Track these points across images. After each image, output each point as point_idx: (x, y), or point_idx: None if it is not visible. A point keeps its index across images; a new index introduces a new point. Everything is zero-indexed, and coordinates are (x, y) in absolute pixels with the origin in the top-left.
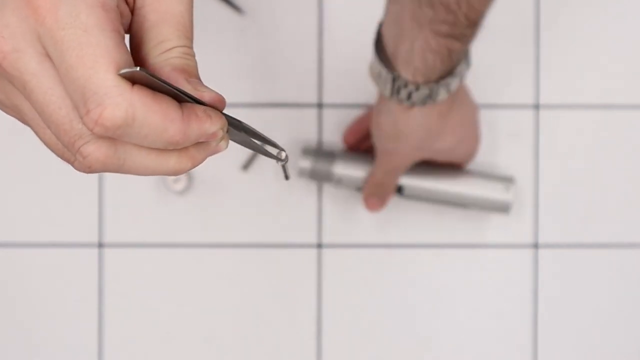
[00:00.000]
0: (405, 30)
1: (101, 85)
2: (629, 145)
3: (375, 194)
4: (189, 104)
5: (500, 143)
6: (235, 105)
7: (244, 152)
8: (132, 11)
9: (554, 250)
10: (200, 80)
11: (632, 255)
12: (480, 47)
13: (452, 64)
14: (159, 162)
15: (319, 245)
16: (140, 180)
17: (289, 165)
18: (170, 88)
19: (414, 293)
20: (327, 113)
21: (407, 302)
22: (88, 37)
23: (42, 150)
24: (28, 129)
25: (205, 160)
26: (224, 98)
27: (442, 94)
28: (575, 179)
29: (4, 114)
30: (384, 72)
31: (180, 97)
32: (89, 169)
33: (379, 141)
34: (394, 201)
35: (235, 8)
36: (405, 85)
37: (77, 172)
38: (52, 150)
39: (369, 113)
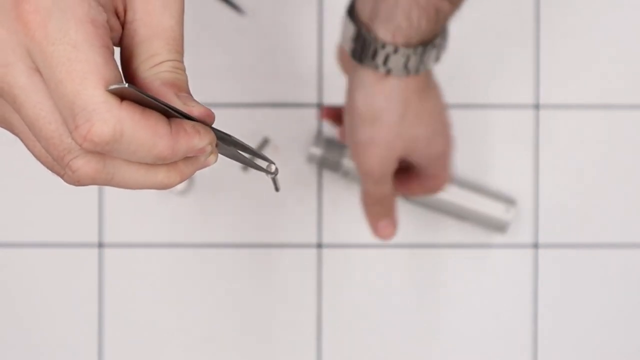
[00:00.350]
0: None
1: (89, 102)
2: (629, 145)
3: (380, 214)
4: (177, 120)
5: (500, 143)
6: (236, 105)
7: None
8: (123, 25)
9: (554, 250)
10: (190, 94)
11: (632, 255)
12: (481, 47)
13: (436, 29)
14: (148, 177)
15: (319, 245)
16: None
17: (280, 177)
18: (159, 104)
19: (414, 293)
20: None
21: (407, 302)
22: (77, 53)
23: None
24: None
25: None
26: (212, 113)
27: (419, 65)
28: (575, 179)
29: None
30: (361, 33)
31: (169, 113)
32: (77, 183)
33: (355, 130)
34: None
35: (235, 8)
36: (383, 47)
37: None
38: (42, 163)
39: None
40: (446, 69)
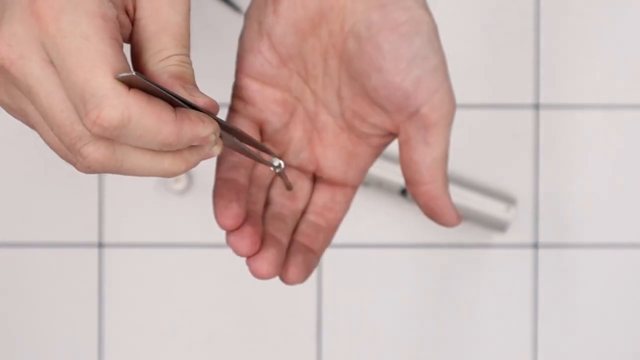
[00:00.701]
0: None
1: (99, 88)
2: (629, 145)
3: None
4: (182, 109)
5: (500, 143)
6: None
7: None
8: (133, 22)
9: (554, 250)
10: (196, 86)
11: (632, 255)
12: (481, 47)
13: None
14: (154, 163)
15: None
16: (140, 180)
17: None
18: (166, 93)
19: (414, 293)
20: None
21: (407, 302)
22: (88, 44)
23: (42, 151)
24: (28, 130)
25: (201, 163)
26: (217, 104)
27: None
28: (575, 178)
29: (6, 116)
30: None
31: (175, 102)
32: (88, 169)
33: None
34: (395, 201)
35: (235, 8)
36: None
37: (78, 172)
38: (56, 152)
39: None
40: None
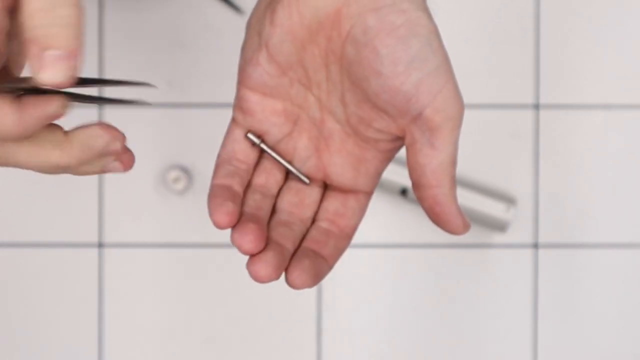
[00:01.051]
0: None
1: None
2: (629, 145)
3: None
4: (26, 96)
5: (500, 143)
6: None
7: None
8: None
9: (554, 250)
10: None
11: (632, 255)
12: (480, 47)
13: None
14: (40, 157)
15: None
16: (140, 180)
17: None
18: (10, 87)
19: (414, 293)
20: None
21: (407, 302)
22: None
23: None
24: None
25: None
26: (64, 74)
27: None
28: (575, 179)
29: None
30: None
31: (22, 94)
32: None
33: None
34: (396, 202)
35: (235, 8)
36: None
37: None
38: None
39: None
40: None
